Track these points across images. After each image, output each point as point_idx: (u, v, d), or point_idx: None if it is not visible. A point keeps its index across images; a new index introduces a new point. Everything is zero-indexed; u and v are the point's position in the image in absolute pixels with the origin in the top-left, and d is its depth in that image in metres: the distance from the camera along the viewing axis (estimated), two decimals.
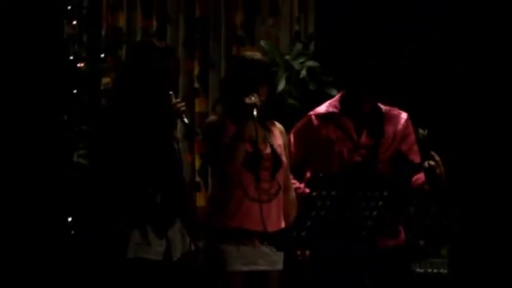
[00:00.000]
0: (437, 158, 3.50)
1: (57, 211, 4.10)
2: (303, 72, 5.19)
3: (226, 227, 3.35)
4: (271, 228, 3.38)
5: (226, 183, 3.36)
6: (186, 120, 3.37)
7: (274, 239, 3.39)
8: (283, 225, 3.44)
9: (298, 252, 3.54)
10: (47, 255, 4.12)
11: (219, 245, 3.33)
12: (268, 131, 3.47)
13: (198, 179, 5.57)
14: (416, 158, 3.67)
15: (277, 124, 3.54)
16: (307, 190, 3.62)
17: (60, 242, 4.12)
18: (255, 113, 3.31)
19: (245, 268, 3.35)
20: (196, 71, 5.67)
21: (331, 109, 3.72)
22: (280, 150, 3.46)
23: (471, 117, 5.25)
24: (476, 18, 5.29)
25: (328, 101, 3.79)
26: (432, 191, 3.66)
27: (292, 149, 3.74)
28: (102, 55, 5.17)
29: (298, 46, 5.39)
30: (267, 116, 3.48)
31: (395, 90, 3.92)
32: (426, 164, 3.50)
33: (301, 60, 5.27)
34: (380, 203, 3.40)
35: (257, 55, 3.52)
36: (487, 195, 5.10)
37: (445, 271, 4.37)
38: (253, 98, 3.32)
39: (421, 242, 4.74)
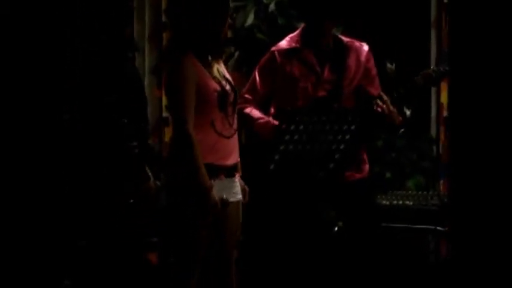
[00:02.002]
0: (385, 97, 3.54)
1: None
2: (272, 6, 5.15)
3: None
4: (233, 161, 3.41)
5: (198, 123, 3.35)
6: None
7: (234, 171, 3.43)
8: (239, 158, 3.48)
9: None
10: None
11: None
12: (219, 66, 3.48)
13: (165, 114, 5.56)
14: (376, 92, 3.69)
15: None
16: (276, 122, 3.65)
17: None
18: None
19: None
20: (163, 5, 5.60)
21: (293, 44, 3.73)
22: (233, 83, 3.47)
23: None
24: None
25: (290, 36, 3.79)
26: (381, 128, 3.72)
27: (258, 85, 3.75)
28: None
29: None
30: (222, 51, 3.48)
31: (362, 23, 3.93)
32: (374, 102, 3.54)
33: None
34: (347, 137, 3.44)
35: None
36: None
37: (410, 203, 4.44)
38: None
39: (388, 174, 4.81)
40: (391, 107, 3.53)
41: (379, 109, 3.52)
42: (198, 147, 3.29)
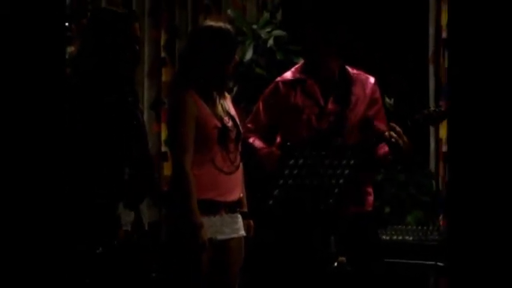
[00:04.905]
0: (398, 128, 3.53)
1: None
2: (270, 42, 5.18)
3: (198, 200, 3.33)
4: (235, 197, 3.43)
5: (198, 159, 3.35)
6: None
7: (236, 207, 3.43)
8: (242, 193, 3.48)
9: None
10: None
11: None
12: (225, 101, 3.48)
13: (164, 148, 5.57)
14: (382, 125, 3.68)
15: (226, 93, 3.54)
16: (279, 152, 3.64)
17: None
18: None
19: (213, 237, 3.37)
20: (162, 40, 5.64)
21: (297, 75, 3.73)
22: (238, 120, 3.47)
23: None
24: None
25: (295, 67, 3.80)
26: (395, 160, 3.71)
27: (262, 115, 3.75)
28: (67, 23, 5.12)
29: (265, 15, 5.38)
30: (227, 87, 3.49)
31: (360, 58, 3.93)
32: (387, 134, 3.53)
33: (268, 29, 5.26)
34: (346, 171, 3.43)
35: (224, 24, 3.45)
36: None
37: (410, 238, 4.42)
38: None
39: (387, 209, 4.80)
40: (405, 138, 3.52)
41: (393, 140, 3.51)
42: (193, 184, 3.29)
